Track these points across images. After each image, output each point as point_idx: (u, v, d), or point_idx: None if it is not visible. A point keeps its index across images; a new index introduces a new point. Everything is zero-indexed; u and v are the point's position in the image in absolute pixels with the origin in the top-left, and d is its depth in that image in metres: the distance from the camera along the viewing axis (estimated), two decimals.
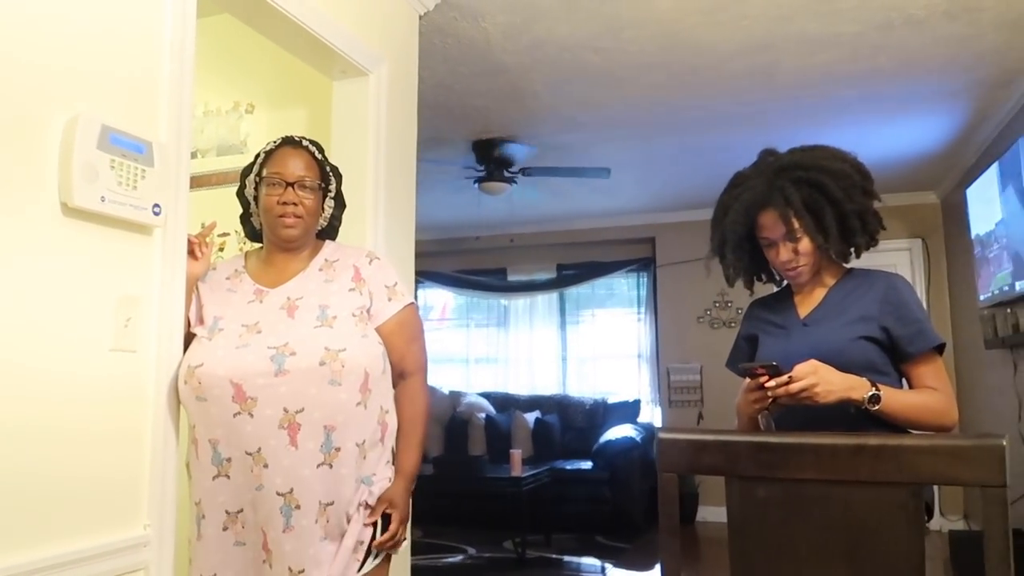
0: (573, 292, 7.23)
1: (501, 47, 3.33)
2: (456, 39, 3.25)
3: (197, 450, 1.61)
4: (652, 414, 6.67)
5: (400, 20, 2.73)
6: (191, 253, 1.71)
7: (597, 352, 7.12)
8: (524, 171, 4.85)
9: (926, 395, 1.69)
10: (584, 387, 7.05)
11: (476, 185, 4.94)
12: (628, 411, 6.54)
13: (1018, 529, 3.85)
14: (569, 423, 6.61)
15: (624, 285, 7.11)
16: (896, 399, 1.63)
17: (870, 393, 1.61)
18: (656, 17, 3.06)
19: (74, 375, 1.42)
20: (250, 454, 1.55)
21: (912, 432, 1.65)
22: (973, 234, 4.51)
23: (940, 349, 1.73)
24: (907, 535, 1.19)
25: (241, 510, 1.58)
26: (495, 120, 4.29)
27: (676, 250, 6.46)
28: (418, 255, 2.79)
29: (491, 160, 4.75)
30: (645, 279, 6.93)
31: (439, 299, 7.75)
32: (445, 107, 4.03)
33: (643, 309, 6.92)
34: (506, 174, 4.85)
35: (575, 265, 7.14)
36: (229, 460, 1.57)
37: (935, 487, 1.76)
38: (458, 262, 7.43)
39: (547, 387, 7.12)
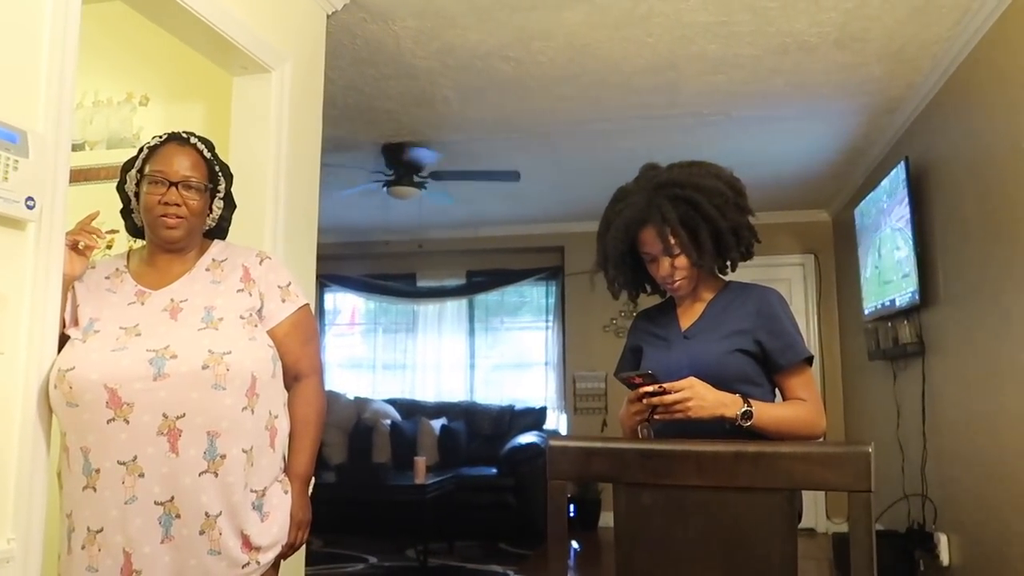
0: (483, 299, 7.24)
1: (411, 51, 3.31)
2: (365, 41, 3.20)
3: (68, 459, 1.52)
4: (558, 421, 6.74)
5: (307, 18, 2.67)
6: (76, 248, 1.61)
7: (505, 359, 7.15)
8: (434, 175, 4.83)
9: (796, 407, 1.77)
10: (491, 394, 7.05)
11: (385, 189, 4.89)
12: (534, 418, 6.58)
13: (894, 530, 4.09)
14: (476, 430, 6.60)
15: (533, 293, 7.17)
16: (767, 414, 1.70)
17: (742, 410, 1.67)
18: (565, 31, 3.11)
19: None
20: (123, 463, 1.47)
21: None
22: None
23: (809, 361, 1.81)
24: (781, 537, 1.24)
25: (101, 529, 1.47)
26: (405, 124, 4.26)
27: (584, 259, 6.56)
28: (326, 258, 2.73)
29: (401, 164, 4.70)
30: (554, 288, 7.01)
31: (347, 303, 7.60)
32: (355, 109, 3.97)
33: (551, 317, 7.00)
34: (416, 179, 4.82)
35: (485, 272, 7.15)
36: (98, 471, 1.47)
37: (803, 493, 1.83)
38: (367, 266, 7.32)
39: (454, 394, 7.08)
